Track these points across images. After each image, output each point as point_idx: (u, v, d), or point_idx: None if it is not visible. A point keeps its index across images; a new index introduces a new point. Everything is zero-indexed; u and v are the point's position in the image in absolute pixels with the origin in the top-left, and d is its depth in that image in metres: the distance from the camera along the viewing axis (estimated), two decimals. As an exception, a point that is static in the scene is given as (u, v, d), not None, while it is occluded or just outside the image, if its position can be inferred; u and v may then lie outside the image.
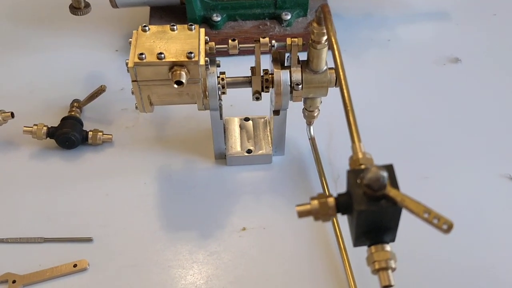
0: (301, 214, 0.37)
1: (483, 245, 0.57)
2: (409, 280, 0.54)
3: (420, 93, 0.73)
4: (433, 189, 0.62)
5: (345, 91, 0.43)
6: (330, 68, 0.56)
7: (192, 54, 0.52)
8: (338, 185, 0.63)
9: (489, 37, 0.80)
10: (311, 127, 0.65)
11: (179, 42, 0.54)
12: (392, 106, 0.71)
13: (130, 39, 0.54)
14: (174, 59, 0.52)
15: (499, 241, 0.58)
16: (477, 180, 0.63)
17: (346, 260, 0.55)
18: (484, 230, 0.59)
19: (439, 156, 0.66)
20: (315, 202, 0.37)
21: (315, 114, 0.62)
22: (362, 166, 0.38)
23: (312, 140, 0.65)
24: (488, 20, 0.83)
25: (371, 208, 0.35)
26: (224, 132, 0.65)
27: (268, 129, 0.66)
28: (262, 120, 0.67)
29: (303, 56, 0.56)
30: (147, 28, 0.55)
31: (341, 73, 0.44)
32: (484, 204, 0.61)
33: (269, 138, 0.65)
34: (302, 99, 0.59)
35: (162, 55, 0.52)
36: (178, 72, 0.52)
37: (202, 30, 0.55)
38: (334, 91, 0.55)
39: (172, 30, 0.55)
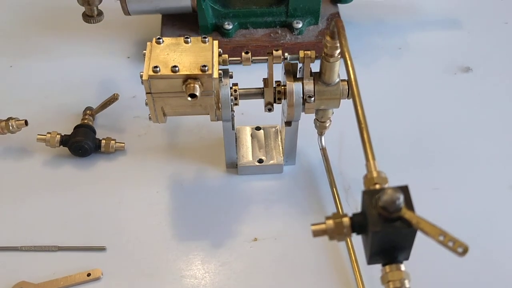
0: (316, 234, 0.38)
1: (495, 256, 0.58)
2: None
3: (431, 102, 0.73)
4: (443, 200, 0.62)
5: (359, 107, 0.43)
6: (342, 80, 0.57)
7: (206, 67, 0.52)
8: (349, 196, 0.63)
9: (501, 46, 0.80)
10: (323, 138, 0.65)
11: (193, 54, 0.54)
12: (402, 115, 0.71)
13: (144, 51, 0.55)
14: (188, 72, 0.52)
15: (510, 252, 0.58)
16: (487, 191, 0.64)
17: (357, 272, 0.55)
18: (495, 242, 0.59)
19: (450, 166, 0.66)
20: (330, 222, 0.38)
21: (327, 125, 0.62)
22: (377, 186, 0.38)
23: (323, 150, 0.66)
24: (500, 29, 0.82)
25: (386, 230, 0.35)
26: (236, 141, 0.65)
27: (279, 138, 0.67)
28: (273, 129, 0.68)
29: (315, 67, 0.57)
30: (161, 40, 0.55)
31: (355, 90, 0.45)
32: (494, 215, 0.61)
33: (280, 147, 0.66)
34: (314, 111, 0.59)
35: (177, 68, 0.52)
36: (192, 85, 0.52)
37: (216, 43, 0.56)
38: (346, 102, 0.56)
39: (186, 42, 0.55)
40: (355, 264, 0.56)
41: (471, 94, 0.74)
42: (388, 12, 0.84)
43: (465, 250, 0.33)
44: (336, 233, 0.37)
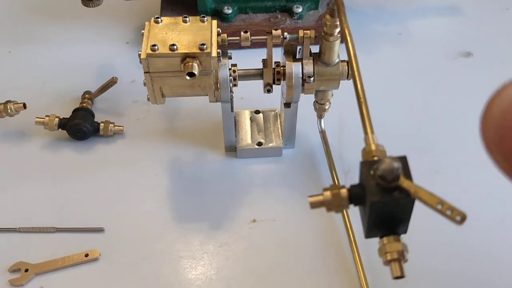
0: (314, 205, 0.38)
1: (495, 239, 0.57)
2: (420, 272, 0.55)
3: (432, 87, 0.73)
4: (444, 183, 0.62)
5: (358, 82, 0.43)
6: (342, 61, 0.56)
7: (205, 46, 0.52)
8: (348, 179, 0.63)
9: (501, 32, 0.79)
10: (322, 120, 0.65)
11: (191, 33, 0.54)
12: (403, 100, 0.71)
13: (143, 31, 0.54)
14: (186, 51, 0.52)
15: (511, 236, 0.58)
16: (488, 174, 0.63)
17: (356, 252, 0.55)
18: (496, 224, 0.58)
19: (451, 150, 0.65)
20: (328, 193, 0.37)
21: (326, 107, 0.62)
22: (375, 158, 0.38)
23: (322, 133, 0.65)
24: (501, 15, 0.82)
25: (384, 199, 0.35)
26: (235, 124, 0.65)
27: (278, 122, 0.67)
28: (273, 113, 0.67)
29: (315, 49, 0.56)
30: (159, 19, 0.55)
31: (354, 65, 0.44)
32: (496, 197, 0.61)
33: (280, 131, 0.65)
34: (314, 91, 0.59)
35: (175, 47, 0.52)
36: (190, 63, 0.52)
37: (215, 22, 0.55)
38: (345, 84, 0.55)
39: (185, 21, 0.55)
40: (353, 245, 0.56)
41: (471, 79, 0.73)
42: (388, -3, 0.84)
43: (463, 218, 0.33)
44: (333, 204, 0.37)
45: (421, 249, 0.56)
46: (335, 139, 0.66)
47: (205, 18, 0.55)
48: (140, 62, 0.53)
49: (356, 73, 0.44)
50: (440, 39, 0.78)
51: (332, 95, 0.61)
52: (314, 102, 0.62)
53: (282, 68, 0.57)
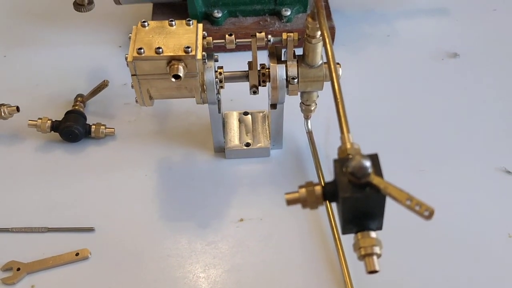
0: (290, 202, 0.39)
1: (479, 238, 0.58)
2: (402, 268, 0.56)
3: (419, 87, 0.74)
4: (429, 182, 0.63)
5: (335, 83, 0.44)
6: (325, 63, 0.57)
7: (190, 49, 0.53)
8: (335, 178, 0.63)
9: (489, 33, 0.80)
10: (309, 121, 0.66)
11: (177, 37, 0.55)
12: (390, 100, 0.72)
13: (130, 34, 0.56)
14: (171, 54, 0.53)
15: (494, 234, 0.59)
16: (473, 173, 0.64)
17: (340, 249, 0.56)
18: (480, 223, 0.59)
19: (436, 149, 0.66)
20: (303, 190, 0.38)
21: (312, 108, 0.63)
22: (350, 156, 0.39)
23: (309, 134, 0.66)
24: (488, 16, 0.83)
25: (355, 195, 0.36)
26: (223, 126, 0.66)
27: (266, 123, 0.68)
28: (261, 114, 0.69)
29: (300, 51, 0.57)
30: (146, 23, 0.56)
31: (332, 66, 0.45)
32: (479, 196, 0.62)
33: (268, 132, 0.67)
34: (299, 93, 0.60)
35: (160, 50, 0.53)
36: (175, 66, 0.53)
37: (200, 25, 0.57)
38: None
39: (171, 25, 0.56)
40: (338, 242, 0.57)
41: (458, 79, 0.74)
42: (376, 0, 0.85)
43: (431, 213, 0.34)
44: (308, 201, 0.38)
45: (403, 250, 0.57)
46: (322, 139, 0.67)
47: (191, 22, 0.56)
48: (127, 65, 0.54)
49: (333, 73, 0.45)
50: (428, 40, 0.79)
51: (318, 96, 0.62)
52: (300, 103, 0.63)
53: (267, 70, 0.58)
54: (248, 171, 0.65)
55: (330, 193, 0.38)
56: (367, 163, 0.35)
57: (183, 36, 0.55)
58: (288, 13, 0.77)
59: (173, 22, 0.56)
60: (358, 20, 0.83)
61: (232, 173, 0.65)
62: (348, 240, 0.56)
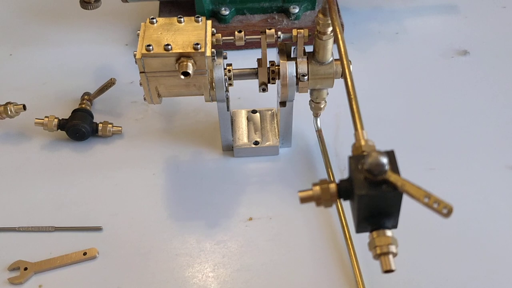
0: (304, 200, 0.38)
1: (490, 236, 0.57)
2: (414, 267, 0.55)
3: (428, 85, 0.73)
4: (439, 180, 0.62)
5: (348, 79, 0.44)
6: (336, 60, 0.57)
7: (199, 46, 0.53)
8: (344, 176, 0.62)
9: (498, 30, 0.80)
10: (318, 119, 0.65)
11: (186, 33, 0.54)
12: (400, 98, 0.71)
13: (138, 31, 0.55)
14: (181, 50, 0.53)
15: (505, 232, 0.58)
16: (483, 171, 0.63)
17: (351, 249, 0.55)
18: (491, 221, 0.59)
19: (446, 147, 0.66)
20: (317, 188, 0.38)
21: (322, 106, 0.62)
22: (365, 153, 0.38)
23: (319, 132, 0.66)
24: (497, 13, 0.82)
25: (371, 193, 0.35)
26: (232, 124, 0.65)
27: (275, 121, 0.67)
28: (270, 112, 0.68)
29: (310, 48, 0.57)
30: (154, 20, 0.55)
31: (345, 62, 0.45)
32: (490, 195, 0.61)
33: (276, 130, 0.66)
34: (309, 90, 0.60)
35: (169, 47, 0.53)
36: (184, 63, 0.53)
37: (209, 22, 0.56)
38: (341, 83, 0.55)
39: (179, 22, 0.55)
40: (349, 241, 0.56)
41: (468, 77, 0.74)
42: (385, -3, 0.84)
43: (450, 211, 0.33)
44: (322, 199, 0.38)
45: (416, 248, 0.56)
46: (331, 137, 0.66)
47: (200, 18, 0.56)
48: (136, 62, 0.53)
49: (346, 70, 0.44)
50: (437, 38, 0.78)
51: (328, 94, 0.61)
52: (309, 101, 0.62)
53: (276, 67, 0.58)
54: (256, 169, 0.64)
55: (345, 190, 0.37)
56: (384, 160, 0.34)
57: (192, 32, 0.55)
58: (296, 10, 0.76)
59: (182, 19, 0.55)
60: (367, 18, 0.82)
61: (241, 171, 0.64)
62: (359, 238, 0.56)
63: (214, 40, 0.56)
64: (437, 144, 0.66)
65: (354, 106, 0.42)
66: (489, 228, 0.58)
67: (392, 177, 0.35)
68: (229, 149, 0.66)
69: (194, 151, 0.66)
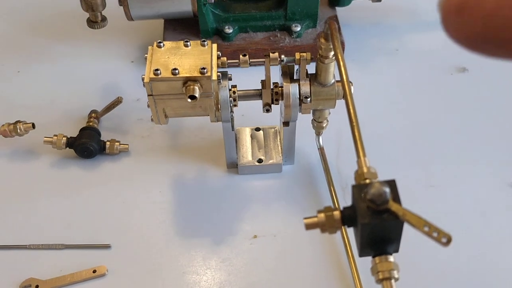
0: (309, 227, 0.40)
1: (490, 254, 0.59)
2: None
3: (428, 102, 0.74)
4: (439, 198, 0.64)
5: (350, 106, 0.45)
6: (338, 81, 0.58)
7: (205, 70, 0.54)
8: (346, 193, 0.64)
9: (496, 46, 0.81)
10: (320, 138, 0.67)
11: (192, 57, 0.56)
12: (399, 115, 0.73)
13: (146, 55, 0.57)
14: (188, 75, 0.54)
15: (506, 250, 0.59)
16: (483, 189, 0.65)
17: (354, 268, 0.57)
18: (491, 239, 0.60)
19: (446, 164, 0.67)
20: (322, 215, 0.39)
21: (324, 125, 0.64)
22: (367, 181, 0.40)
23: (321, 150, 0.67)
24: (496, 29, 0.84)
25: (374, 222, 0.37)
26: (236, 141, 0.67)
27: (278, 138, 0.69)
28: (273, 130, 0.69)
29: (311, 68, 0.58)
30: (162, 44, 0.57)
31: (347, 89, 0.46)
32: (491, 213, 0.62)
33: (279, 147, 0.68)
34: (311, 110, 0.61)
35: (177, 71, 0.54)
36: (191, 87, 0.54)
37: (214, 46, 0.58)
38: (342, 103, 0.57)
39: (186, 46, 0.57)
40: (352, 261, 0.57)
41: (467, 94, 0.75)
42: (384, 14, 0.86)
43: (449, 240, 0.35)
44: (327, 226, 0.39)
45: (416, 267, 0.58)
46: (333, 155, 0.68)
47: (205, 42, 0.57)
48: (144, 85, 0.55)
49: (348, 97, 0.46)
50: (436, 54, 0.80)
51: (329, 113, 0.63)
52: (312, 120, 0.64)
53: (280, 88, 0.59)
54: (260, 186, 0.66)
55: (348, 218, 0.39)
56: (386, 190, 0.36)
57: (198, 56, 0.56)
58: (298, 28, 0.78)
59: (188, 43, 0.57)
60: (366, 34, 0.84)
61: (245, 189, 0.66)
62: (362, 258, 0.57)
63: (220, 63, 0.57)
64: (436, 161, 0.68)
65: (356, 133, 0.44)
66: (490, 246, 0.60)
67: (393, 206, 0.36)
68: (234, 166, 0.67)
69: (199, 168, 0.68)
